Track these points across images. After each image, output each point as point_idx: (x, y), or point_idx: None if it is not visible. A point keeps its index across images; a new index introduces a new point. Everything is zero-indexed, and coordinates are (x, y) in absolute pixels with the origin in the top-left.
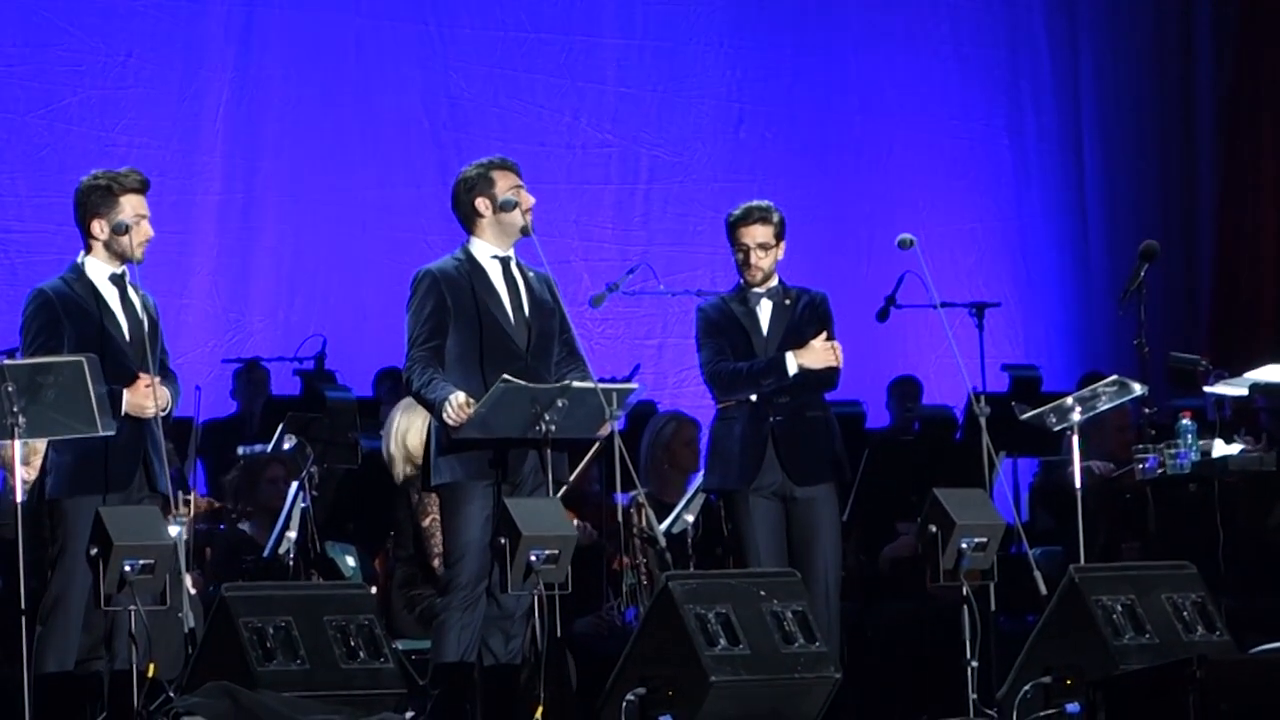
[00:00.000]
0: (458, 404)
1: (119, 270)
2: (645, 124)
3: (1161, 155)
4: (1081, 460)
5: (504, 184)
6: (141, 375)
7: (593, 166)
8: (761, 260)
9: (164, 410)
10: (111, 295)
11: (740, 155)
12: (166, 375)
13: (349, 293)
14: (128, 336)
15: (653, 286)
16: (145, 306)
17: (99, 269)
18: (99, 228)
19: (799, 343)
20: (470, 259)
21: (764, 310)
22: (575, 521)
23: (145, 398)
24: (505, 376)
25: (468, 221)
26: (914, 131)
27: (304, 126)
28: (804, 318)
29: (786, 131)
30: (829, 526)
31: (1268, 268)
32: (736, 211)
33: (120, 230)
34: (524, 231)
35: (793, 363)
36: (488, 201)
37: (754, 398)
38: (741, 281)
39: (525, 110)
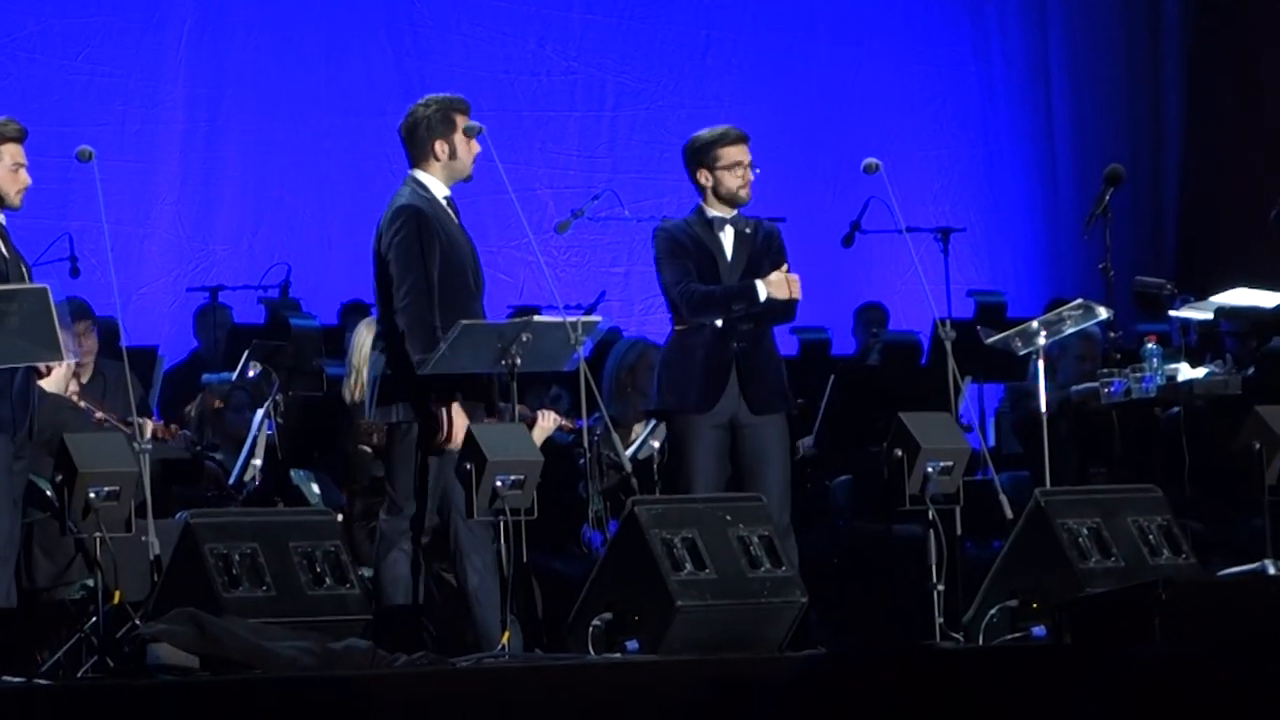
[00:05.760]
0: (462, 428)
1: None
2: (611, 51)
3: (1129, 80)
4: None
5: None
6: None
7: (558, 93)
8: (750, 179)
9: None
10: None
11: (706, 82)
12: None
13: (313, 221)
14: (9, 282)
15: (618, 213)
16: (20, 257)
17: None
18: None
19: (758, 271)
20: (431, 195)
21: (727, 236)
22: (554, 418)
23: None
24: (463, 321)
25: (424, 161)
26: (880, 57)
27: (267, 54)
28: (762, 248)
29: (753, 58)
30: (780, 455)
31: (1233, 191)
32: (715, 131)
33: None
34: (468, 178)
35: (764, 290)
36: (446, 145)
37: (719, 323)
38: (701, 204)
39: (490, 37)
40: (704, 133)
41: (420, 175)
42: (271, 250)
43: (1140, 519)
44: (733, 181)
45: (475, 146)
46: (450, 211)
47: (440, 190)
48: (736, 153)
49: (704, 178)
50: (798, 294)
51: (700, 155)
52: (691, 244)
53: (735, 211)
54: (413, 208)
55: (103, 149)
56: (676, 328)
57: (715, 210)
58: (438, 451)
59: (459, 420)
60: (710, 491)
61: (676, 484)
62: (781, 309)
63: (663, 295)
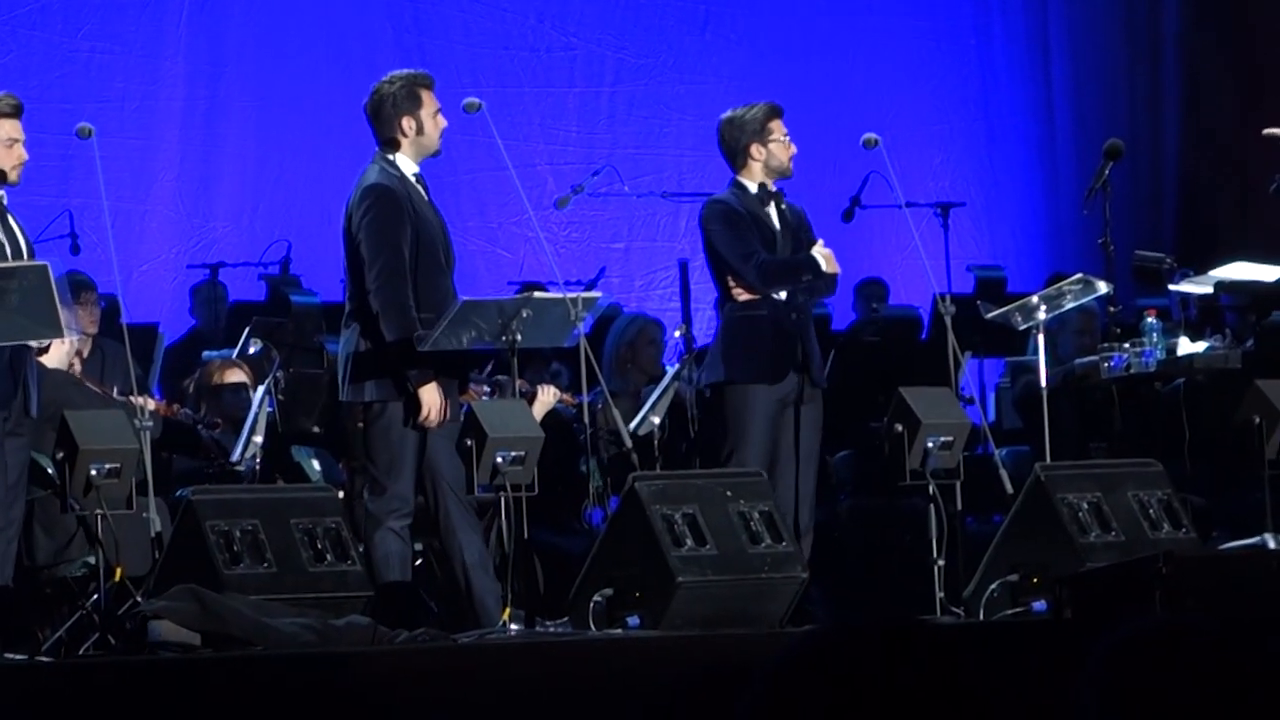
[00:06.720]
0: (438, 408)
1: None
2: (610, 26)
3: (1128, 55)
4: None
5: (430, 106)
6: None
7: (557, 69)
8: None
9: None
10: None
11: (706, 57)
12: None
13: (313, 197)
14: (9, 259)
15: (618, 189)
16: (21, 232)
17: None
18: None
19: (799, 245)
20: (400, 173)
21: (772, 211)
22: (554, 392)
23: None
24: (465, 298)
25: (391, 138)
26: (880, 31)
27: (267, 31)
28: (795, 223)
29: (752, 33)
30: (819, 431)
31: (1233, 165)
32: (761, 105)
33: None
34: (436, 153)
35: (822, 263)
36: (413, 122)
37: (783, 295)
38: (740, 180)
39: (488, 14)
40: (749, 108)
41: (388, 153)
42: (272, 227)
43: (1140, 493)
44: (784, 154)
45: (442, 121)
46: (420, 188)
47: (409, 167)
48: (781, 124)
49: (757, 152)
50: (838, 268)
51: (753, 129)
52: (749, 216)
53: (773, 186)
54: (381, 186)
55: (103, 126)
56: (739, 299)
57: (758, 185)
58: (419, 429)
59: (434, 399)
60: (761, 464)
61: (729, 457)
62: (830, 282)
63: (711, 269)
